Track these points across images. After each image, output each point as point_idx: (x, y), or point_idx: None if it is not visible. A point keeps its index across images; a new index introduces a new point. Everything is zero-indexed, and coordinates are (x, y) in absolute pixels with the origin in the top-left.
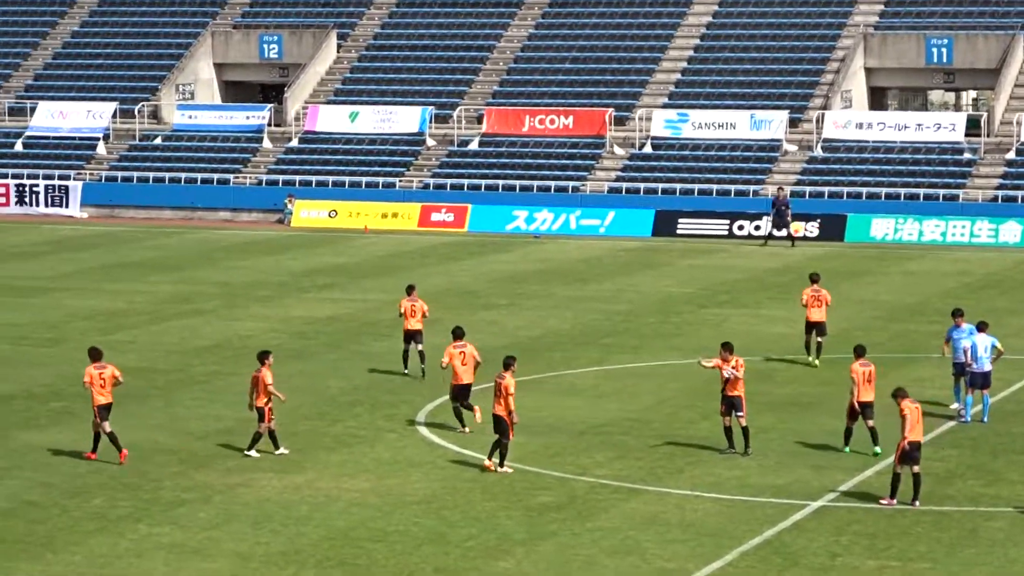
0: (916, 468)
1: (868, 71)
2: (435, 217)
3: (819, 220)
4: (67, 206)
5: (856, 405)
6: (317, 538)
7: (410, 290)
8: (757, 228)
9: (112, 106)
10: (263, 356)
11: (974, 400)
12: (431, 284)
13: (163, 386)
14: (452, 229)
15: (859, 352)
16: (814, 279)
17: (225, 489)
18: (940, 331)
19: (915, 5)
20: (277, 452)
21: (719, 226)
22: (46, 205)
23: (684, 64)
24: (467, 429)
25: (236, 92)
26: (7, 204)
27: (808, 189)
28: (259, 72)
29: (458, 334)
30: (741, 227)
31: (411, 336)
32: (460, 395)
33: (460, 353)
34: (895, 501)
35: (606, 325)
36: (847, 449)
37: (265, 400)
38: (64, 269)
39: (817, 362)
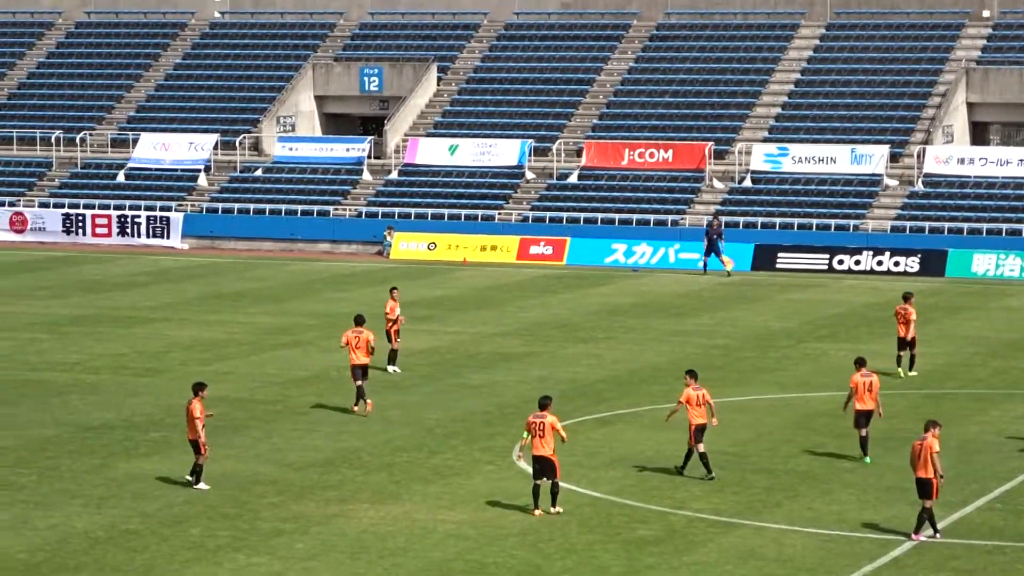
0: (927, 503)
1: (970, 106)
2: (534, 250)
3: (919, 255)
4: (168, 237)
5: (856, 413)
6: (413, 569)
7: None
8: (857, 263)
9: (213, 138)
10: (197, 388)
11: None
12: (529, 317)
13: (262, 416)
14: (550, 262)
15: (860, 363)
16: (906, 298)
17: (323, 520)
18: None
19: (1018, 40)
20: (195, 487)
21: (819, 260)
22: (147, 236)
23: (785, 98)
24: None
25: (337, 124)
26: (109, 235)
27: (908, 224)
28: (360, 104)
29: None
30: (841, 261)
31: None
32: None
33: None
34: (937, 535)
35: (704, 359)
36: (867, 460)
37: (200, 431)
38: (164, 300)
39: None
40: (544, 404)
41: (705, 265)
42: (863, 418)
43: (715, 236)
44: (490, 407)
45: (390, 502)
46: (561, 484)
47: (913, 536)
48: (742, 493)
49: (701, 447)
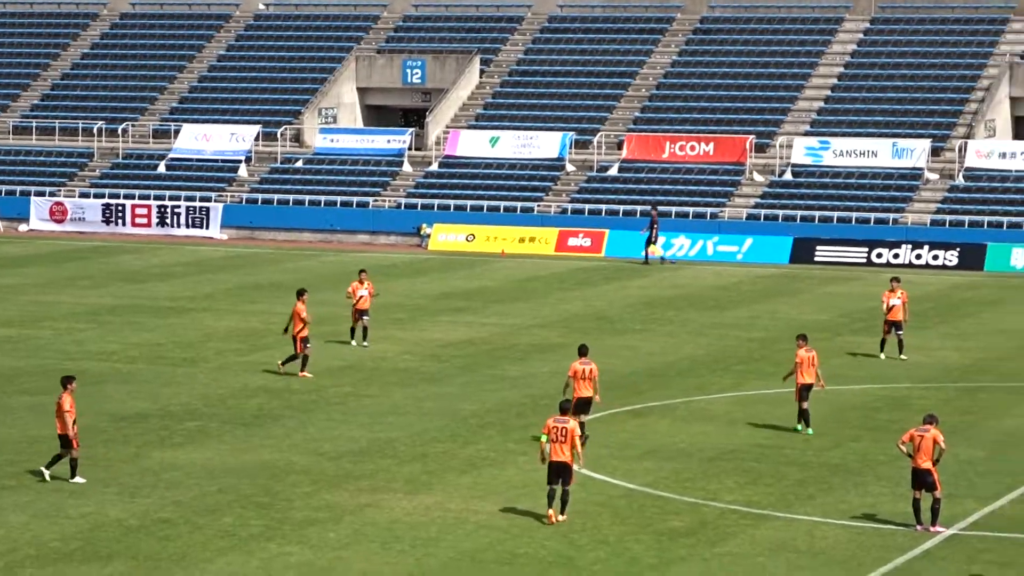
0: (937, 493)
1: (1013, 100)
2: (572, 242)
3: (958, 249)
4: (207, 227)
5: (799, 387)
6: (445, 559)
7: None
8: (896, 256)
9: (255, 129)
10: (66, 381)
11: None
12: (566, 309)
13: (298, 406)
14: (589, 254)
15: (802, 339)
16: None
17: (355, 509)
18: None
19: None
20: (72, 480)
21: (858, 254)
22: (187, 226)
23: (827, 92)
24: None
25: (378, 116)
26: (149, 225)
27: (948, 218)
28: (402, 96)
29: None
30: (880, 255)
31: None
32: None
33: None
34: (920, 527)
35: (741, 351)
36: (802, 428)
37: (70, 426)
38: (203, 290)
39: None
40: (565, 409)
41: (650, 255)
42: (805, 391)
43: (653, 224)
44: (525, 399)
45: (423, 492)
46: (596, 476)
47: (932, 529)
48: (775, 485)
49: (805, 404)
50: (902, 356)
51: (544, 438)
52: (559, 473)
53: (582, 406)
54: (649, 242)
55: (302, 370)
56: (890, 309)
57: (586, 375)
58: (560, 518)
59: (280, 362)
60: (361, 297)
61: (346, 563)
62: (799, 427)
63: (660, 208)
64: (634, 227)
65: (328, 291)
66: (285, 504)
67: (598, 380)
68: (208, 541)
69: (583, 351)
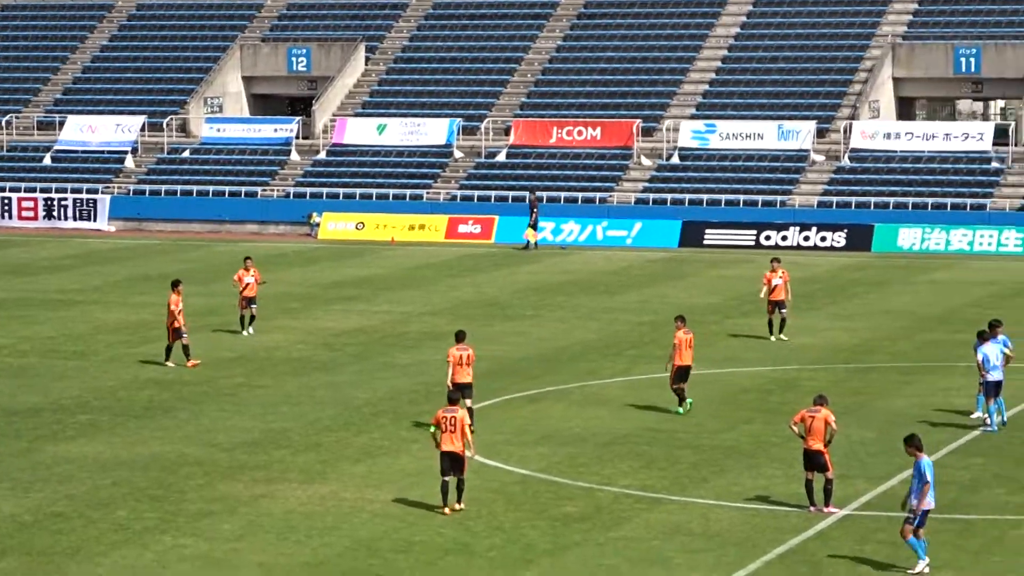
0: (829, 474)
1: (896, 81)
2: (462, 229)
3: (846, 230)
4: (95, 220)
5: (677, 368)
6: (341, 549)
7: (246, 260)
8: (784, 239)
9: (141, 120)
10: None
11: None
12: (457, 296)
13: (190, 398)
14: (479, 241)
15: (680, 320)
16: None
17: (250, 500)
18: (967, 340)
19: (943, 15)
20: None
21: (746, 237)
22: (74, 219)
23: (712, 75)
24: None
25: (264, 105)
26: (35, 218)
27: (835, 199)
28: (287, 85)
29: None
30: (768, 237)
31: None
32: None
33: None
34: (814, 508)
35: (632, 336)
36: (680, 411)
37: None
38: (92, 282)
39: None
40: (454, 399)
41: (534, 240)
42: (683, 372)
43: (533, 209)
44: (417, 386)
45: (318, 482)
46: (490, 462)
47: (825, 510)
48: (669, 469)
49: (683, 385)
50: (782, 336)
51: (434, 429)
52: (452, 463)
53: (462, 390)
54: (529, 227)
55: (188, 360)
56: (772, 289)
57: (463, 360)
58: (458, 507)
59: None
60: (247, 284)
61: (242, 554)
62: (680, 410)
63: (549, 194)
64: (524, 213)
65: (218, 282)
66: (179, 496)
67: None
68: (102, 535)
69: (460, 337)
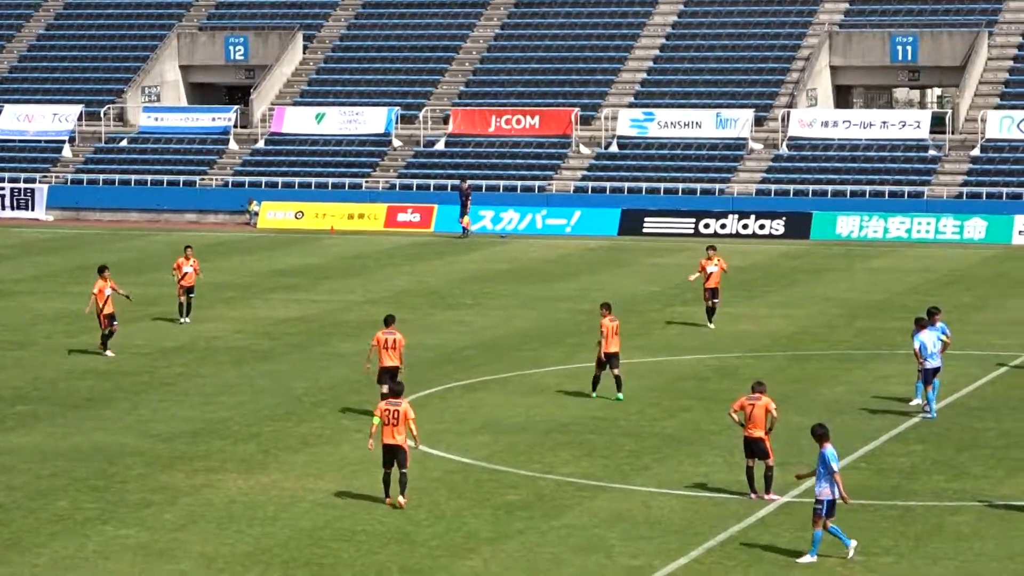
0: (770, 461)
1: (833, 69)
2: (401, 217)
3: (784, 218)
4: (32, 209)
5: (603, 356)
6: (283, 538)
7: (186, 249)
8: (723, 227)
9: (78, 109)
10: None
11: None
12: (397, 285)
13: (129, 388)
14: (418, 229)
15: (606, 307)
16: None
17: (191, 490)
18: (905, 328)
19: (880, 3)
20: None
21: (685, 225)
22: (11, 208)
23: (650, 63)
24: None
25: (202, 94)
26: None
27: (773, 187)
28: (225, 74)
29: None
30: (707, 225)
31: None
32: None
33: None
34: (754, 495)
35: (572, 324)
36: (594, 395)
37: None
38: (29, 272)
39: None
40: (397, 391)
41: (466, 228)
42: (613, 359)
43: (464, 198)
44: (358, 375)
45: (258, 472)
46: (432, 451)
47: (766, 497)
48: (610, 457)
49: (616, 371)
50: (710, 324)
51: (377, 421)
52: (393, 456)
53: (388, 375)
54: (464, 214)
55: (103, 346)
56: (708, 276)
57: (390, 344)
58: (400, 500)
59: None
60: (186, 273)
61: (183, 544)
62: (620, 396)
63: (488, 183)
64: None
65: (156, 271)
66: (120, 487)
67: (403, 351)
68: (42, 525)
69: (388, 321)
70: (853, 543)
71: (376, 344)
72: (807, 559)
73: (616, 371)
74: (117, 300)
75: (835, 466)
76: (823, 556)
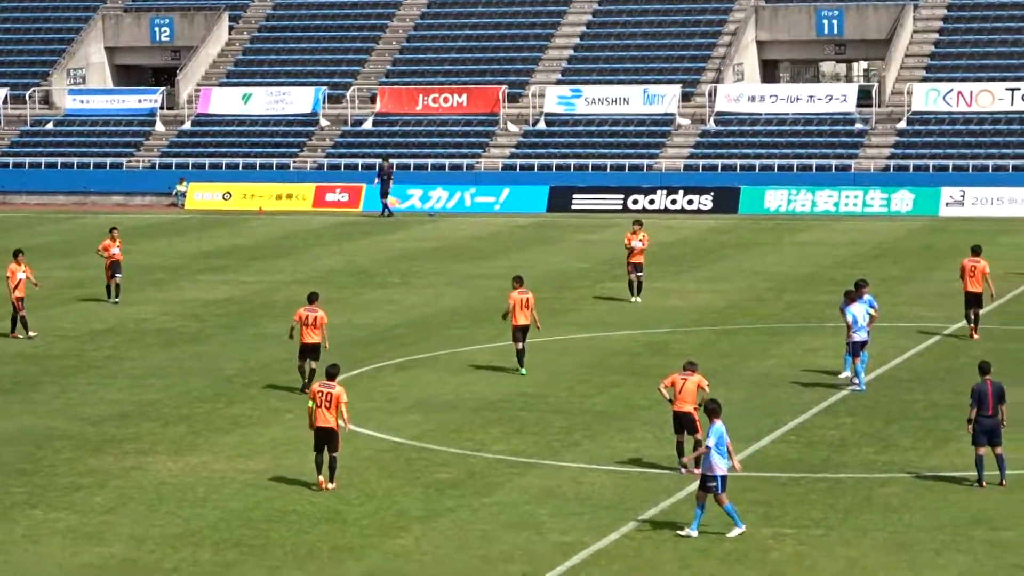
0: (699, 436)
1: (760, 44)
2: (330, 197)
3: (712, 193)
4: None
5: (513, 328)
6: (213, 519)
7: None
8: (652, 202)
9: (2, 92)
10: None
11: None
12: (326, 264)
13: (57, 371)
14: (347, 209)
15: (517, 281)
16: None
17: (121, 473)
18: (833, 301)
19: None
20: None
21: (613, 201)
22: None
23: (576, 40)
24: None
25: (128, 76)
26: None
27: (701, 162)
28: (151, 55)
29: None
30: (636, 201)
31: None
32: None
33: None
34: (685, 470)
35: (501, 302)
36: (523, 372)
37: None
38: None
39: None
40: (332, 373)
41: (386, 207)
42: (520, 332)
43: (386, 177)
44: (288, 355)
45: (189, 453)
46: (362, 430)
47: (696, 471)
48: (541, 434)
49: (520, 345)
50: (637, 298)
51: (311, 404)
52: (326, 439)
53: (309, 351)
54: (384, 194)
55: (12, 331)
56: (632, 251)
57: (311, 321)
58: (330, 486)
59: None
60: (114, 254)
61: (114, 527)
62: (523, 371)
63: (416, 161)
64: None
65: (83, 254)
66: (49, 470)
67: (326, 328)
68: None
69: (312, 298)
70: (740, 529)
71: (297, 320)
72: (688, 532)
73: (520, 345)
74: (41, 282)
75: (711, 441)
76: (753, 529)
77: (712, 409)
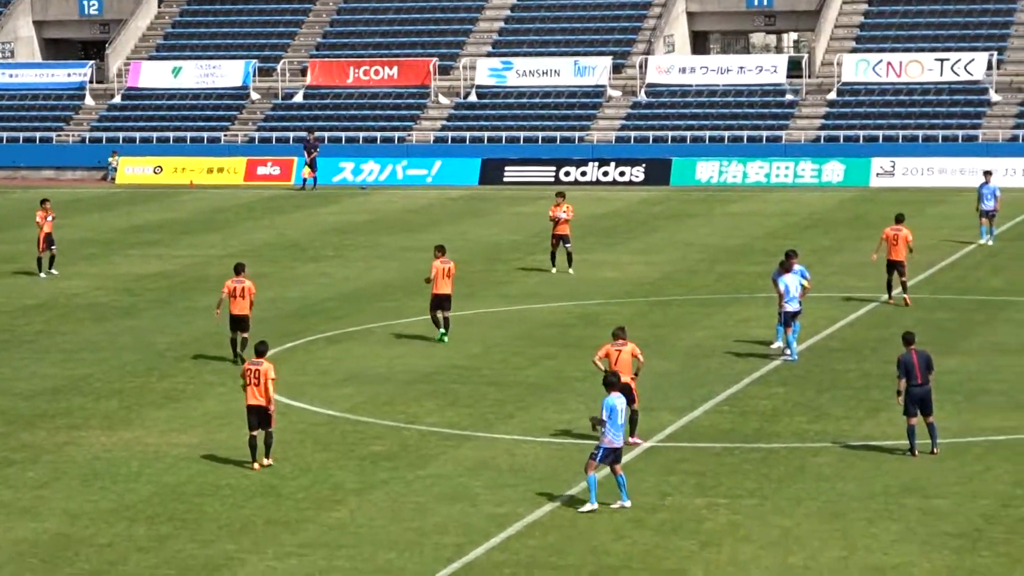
0: (635, 406)
1: (690, 15)
2: (261, 171)
3: (644, 165)
4: None
5: (432, 296)
6: (147, 494)
7: (44, 203)
8: (584, 174)
9: None
10: None
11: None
12: (259, 238)
13: None
14: (279, 182)
15: (440, 250)
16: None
17: (53, 448)
18: (765, 272)
19: None
20: None
21: (545, 173)
22: None
23: (507, 12)
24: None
25: (57, 50)
26: None
27: (633, 134)
28: (80, 29)
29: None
30: (568, 173)
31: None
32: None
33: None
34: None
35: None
36: (445, 338)
37: None
38: None
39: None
40: (261, 351)
41: (312, 180)
42: (444, 300)
43: (311, 149)
44: (220, 330)
45: (121, 428)
46: (296, 403)
47: (630, 441)
48: (474, 406)
49: (446, 314)
50: (570, 271)
51: (242, 382)
52: (258, 417)
53: (239, 322)
54: (311, 167)
55: None
56: (556, 223)
57: (239, 292)
58: (266, 462)
59: None
60: (48, 222)
61: (47, 502)
62: (444, 339)
63: (348, 134)
64: (323, 153)
65: (14, 229)
66: None
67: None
68: None
69: (238, 269)
70: (625, 503)
71: (226, 292)
72: (587, 507)
73: (446, 314)
74: None
75: (606, 414)
76: (687, 499)
77: (607, 382)
